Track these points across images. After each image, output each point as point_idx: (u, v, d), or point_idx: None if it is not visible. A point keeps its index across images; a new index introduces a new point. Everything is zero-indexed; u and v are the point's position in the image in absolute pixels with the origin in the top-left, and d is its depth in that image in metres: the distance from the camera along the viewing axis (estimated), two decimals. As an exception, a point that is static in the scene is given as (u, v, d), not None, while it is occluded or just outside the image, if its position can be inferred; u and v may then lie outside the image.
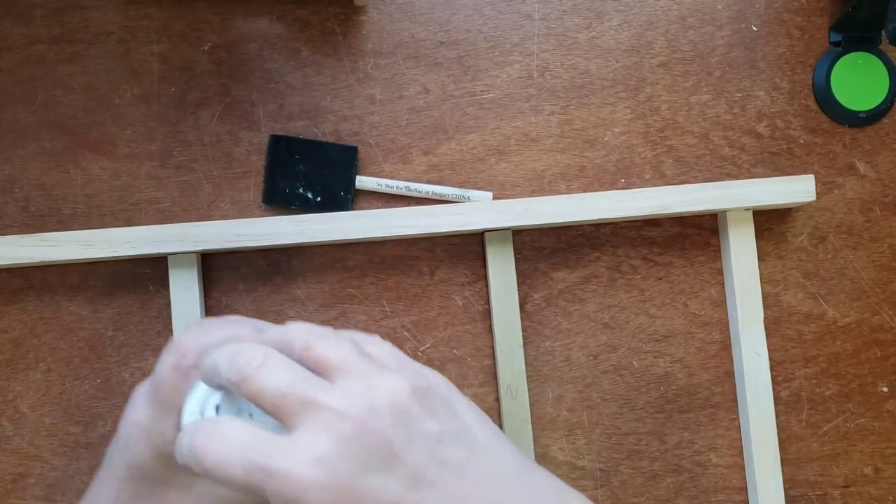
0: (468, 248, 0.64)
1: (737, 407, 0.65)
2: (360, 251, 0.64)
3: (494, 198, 0.64)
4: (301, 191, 0.62)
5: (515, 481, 0.39)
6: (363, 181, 0.63)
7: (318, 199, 0.62)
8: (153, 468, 0.41)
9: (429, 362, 0.63)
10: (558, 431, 0.64)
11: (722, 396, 0.65)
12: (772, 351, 0.65)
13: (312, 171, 0.62)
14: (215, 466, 0.35)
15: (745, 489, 0.64)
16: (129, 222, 0.62)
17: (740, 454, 0.65)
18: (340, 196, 0.62)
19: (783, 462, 0.64)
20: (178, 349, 0.40)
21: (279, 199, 0.62)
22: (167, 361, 0.40)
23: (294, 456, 0.34)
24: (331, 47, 0.64)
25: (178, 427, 0.39)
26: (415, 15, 0.64)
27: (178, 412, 0.40)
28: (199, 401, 0.39)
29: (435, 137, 0.64)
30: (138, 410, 0.41)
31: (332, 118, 0.64)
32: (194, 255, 0.60)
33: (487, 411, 0.63)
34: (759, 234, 0.65)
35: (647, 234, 0.65)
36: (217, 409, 0.39)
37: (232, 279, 0.63)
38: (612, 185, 0.65)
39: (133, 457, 0.41)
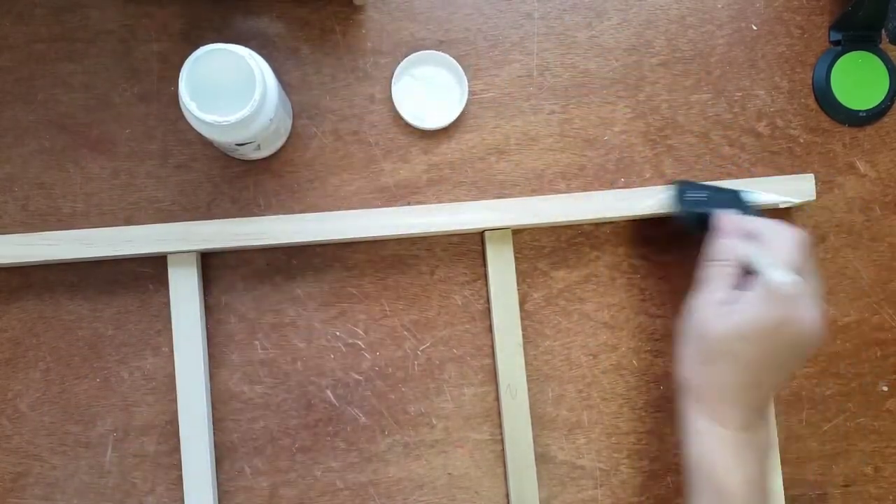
0: (468, 247, 0.64)
1: (737, 406, 0.65)
2: (360, 251, 0.64)
3: (493, 197, 0.64)
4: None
5: None
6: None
7: None
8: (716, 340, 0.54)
9: (428, 362, 0.63)
10: (558, 431, 0.64)
11: (722, 396, 0.65)
12: (772, 350, 0.65)
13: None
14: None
15: (745, 488, 0.64)
16: (128, 221, 0.62)
17: (740, 453, 0.65)
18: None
19: (783, 461, 0.64)
20: (725, 260, 0.56)
21: None
22: (721, 271, 0.56)
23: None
24: (330, 46, 0.64)
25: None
26: (414, 14, 0.64)
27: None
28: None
29: (434, 137, 0.64)
30: (712, 295, 0.55)
31: (332, 117, 0.64)
32: (194, 254, 0.60)
33: (487, 410, 0.64)
34: (759, 233, 0.65)
35: (647, 233, 0.65)
36: None
37: (231, 278, 0.63)
38: (611, 185, 0.65)
39: (710, 332, 0.54)
